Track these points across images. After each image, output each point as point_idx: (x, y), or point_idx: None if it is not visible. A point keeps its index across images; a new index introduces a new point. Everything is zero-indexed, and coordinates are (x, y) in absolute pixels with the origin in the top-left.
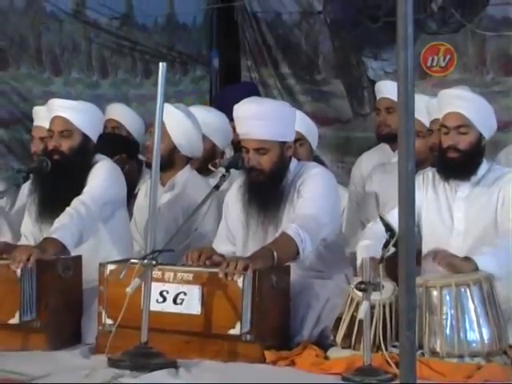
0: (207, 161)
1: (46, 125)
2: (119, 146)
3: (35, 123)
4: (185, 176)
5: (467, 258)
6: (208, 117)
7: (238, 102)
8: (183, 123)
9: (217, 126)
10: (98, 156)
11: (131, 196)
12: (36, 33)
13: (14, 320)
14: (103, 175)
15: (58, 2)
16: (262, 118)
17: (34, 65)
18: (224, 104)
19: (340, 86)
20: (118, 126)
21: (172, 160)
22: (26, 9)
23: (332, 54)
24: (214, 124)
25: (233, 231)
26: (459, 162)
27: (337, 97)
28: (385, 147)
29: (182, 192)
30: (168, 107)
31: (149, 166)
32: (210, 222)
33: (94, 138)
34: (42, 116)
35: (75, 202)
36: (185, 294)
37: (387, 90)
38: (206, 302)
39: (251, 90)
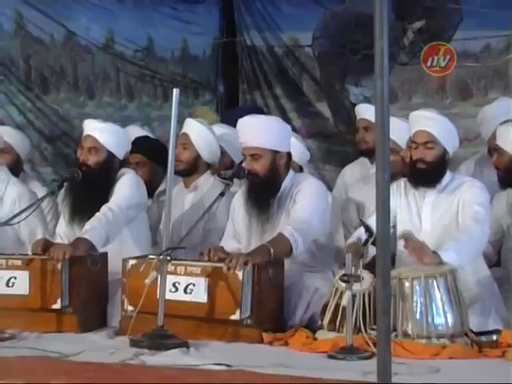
0: None
1: None
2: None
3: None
4: (206, 179)
5: (434, 252)
6: (229, 134)
7: None
8: (205, 135)
9: (236, 142)
10: (124, 169)
11: (152, 196)
12: (73, 63)
13: (56, 305)
14: (128, 186)
15: (91, 38)
16: (255, 130)
17: (72, 90)
18: (230, 124)
19: (322, 108)
20: None
21: (196, 166)
22: (64, 43)
23: (316, 81)
24: (234, 141)
25: (238, 231)
26: (426, 172)
27: (319, 117)
28: (364, 160)
29: (205, 193)
30: (192, 122)
31: (175, 172)
32: (220, 221)
33: (119, 154)
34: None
35: (104, 208)
36: (193, 285)
37: (365, 111)
38: (210, 292)
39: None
